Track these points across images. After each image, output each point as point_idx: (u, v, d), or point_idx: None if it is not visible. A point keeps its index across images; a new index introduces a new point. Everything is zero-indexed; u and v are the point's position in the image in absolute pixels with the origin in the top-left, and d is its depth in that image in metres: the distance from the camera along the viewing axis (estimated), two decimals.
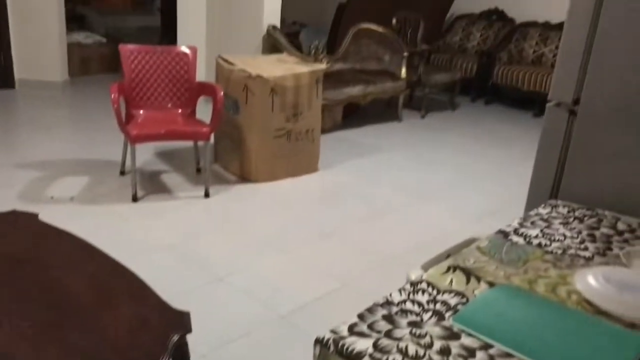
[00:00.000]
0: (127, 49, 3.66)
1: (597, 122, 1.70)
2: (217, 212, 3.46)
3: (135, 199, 3.45)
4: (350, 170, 4.25)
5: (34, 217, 2.15)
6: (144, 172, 3.86)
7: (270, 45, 5.08)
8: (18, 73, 5.55)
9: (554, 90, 1.78)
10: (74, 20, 6.90)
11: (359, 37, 5.55)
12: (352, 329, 1.00)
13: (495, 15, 6.86)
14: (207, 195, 3.60)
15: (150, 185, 3.72)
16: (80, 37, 6.28)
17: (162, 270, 2.73)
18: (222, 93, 3.53)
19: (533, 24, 6.49)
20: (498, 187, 4.10)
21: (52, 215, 3.03)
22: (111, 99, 3.33)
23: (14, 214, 2.16)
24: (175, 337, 1.54)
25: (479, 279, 1.24)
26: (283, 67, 3.99)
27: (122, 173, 3.80)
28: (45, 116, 4.95)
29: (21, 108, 5.22)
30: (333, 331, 0.98)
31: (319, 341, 0.98)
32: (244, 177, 3.91)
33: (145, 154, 4.11)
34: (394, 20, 5.88)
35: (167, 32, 7.76)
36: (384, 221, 3.49)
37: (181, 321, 1.60)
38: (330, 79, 4.92)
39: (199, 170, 3.97)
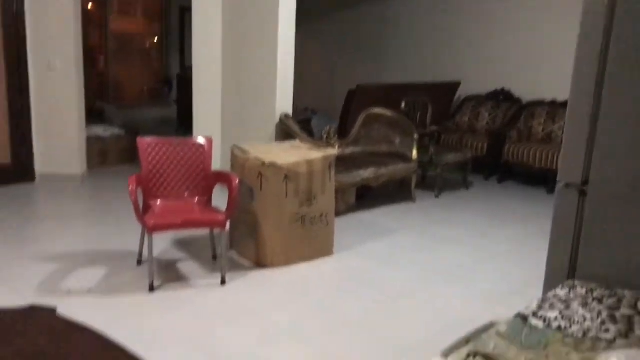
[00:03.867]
0: (145, 142, 3.78)
1: (609, 201, 1.72)
2: (234, 300, 3.44)
3: (152, 288, 3.45)
4: (366, 254, 4.24)
5: (52, 312, 2.16)
6: (161, 261, 3.88)
7: (284, 133, 5.22)
8: (38, 167, 5.72)
9: (563, 171, 1.81)
10: (94, 114, 7.16)
11: (370, 121, 5.70)
12: None
13: (502, 96, 7.03)
14: (223, 282, 3.59)
15: (166, 274, 3.73)
16: (99, 130, 6.50)
17: None
18: (237, 181, 3.61)
19: (540, 103, 6.63)
20: (515, 268, 4.06)
21: (70, 309, 3.04)
22: (129, 191, 3.41)
23: (32, 310, 2.18)
24: None
25: None
26: (296, 153, 4.08)
27: (139, 263, 3.82)
28: (63, 209, 5.05)
29: (40, 201, 5.34)
30: None
31: None
32: (260, 263, 3.91)
33: (162, 243, 4.14)
34: (402, 104, 6.04)
35: (183, 123, 8.04)
36: (401, 307, 3.44)
37: None
38: (343, 163, 5.01)
39: (215, 257, 3.98)
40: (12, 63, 5.34)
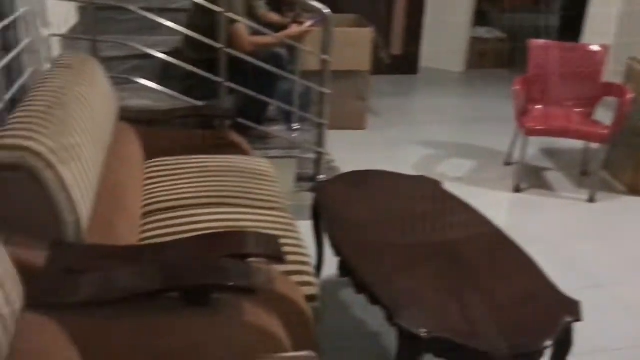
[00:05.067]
0: (537, 44, 3.71)
1: None
2: (601, 219, 3.28)
3: (517, 189, 3.52)
4: None
5: (438, 183, 2.40)
6: (527, 166, 3.88)
7: None
8: (422, 61, 6.14)
9: None
10: (477, 15, 7.24)
11: None
12: None
13: None
14: (591, 200, 3.44)
15: (531, 179, 3.73)
16: (482, 32, 6.57)
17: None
18: (631, 96, 3.30)
19: None
20: None
21: None
22: (514, 91, 3.44)
23: (421, 178, 2.46)
24: (566, 320, 1.56)
25: None
26: None
27: (506, 164, 3.90)
28: (441, 101, 5.39)
29: (422, 93, 5.77)
30: None
31: None
32: (635, 190, 3.59)
33: (531, 149, 4.10)
34: None
35: (566, 32, 7.54)
36: None
37: (572, 308, 1.61)
38: None
39: (584, 173, 3.81)
40: None
